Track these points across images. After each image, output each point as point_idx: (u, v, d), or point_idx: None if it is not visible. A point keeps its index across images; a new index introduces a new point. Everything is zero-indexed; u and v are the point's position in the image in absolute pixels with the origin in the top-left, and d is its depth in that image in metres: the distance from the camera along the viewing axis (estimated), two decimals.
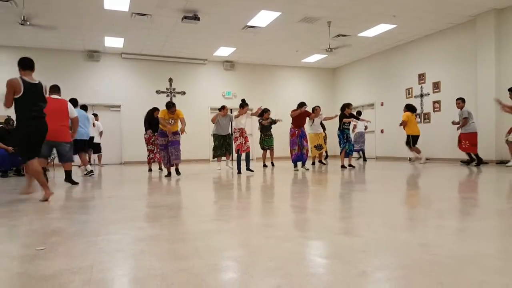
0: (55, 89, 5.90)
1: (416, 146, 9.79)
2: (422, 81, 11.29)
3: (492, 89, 9.06)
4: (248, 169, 7.88)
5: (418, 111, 11.42)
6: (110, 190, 5.35)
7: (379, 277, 1.63)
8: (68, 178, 5.92)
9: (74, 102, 7.69)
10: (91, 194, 4.85)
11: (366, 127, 12.01)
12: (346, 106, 8.67)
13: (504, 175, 6.22)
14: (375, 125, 13.24)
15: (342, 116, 8.60)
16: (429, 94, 11.07)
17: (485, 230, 2.47)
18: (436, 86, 10.81)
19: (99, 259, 1.93)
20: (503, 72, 8.95)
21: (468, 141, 8.65)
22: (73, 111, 5.93)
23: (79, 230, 2.63)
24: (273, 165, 9.80)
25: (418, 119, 11.39)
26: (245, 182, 6.06)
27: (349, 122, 8.67)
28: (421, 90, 11.33)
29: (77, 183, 5.93)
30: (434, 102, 10.90)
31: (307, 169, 8.16)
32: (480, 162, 8.56)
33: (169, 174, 7.32)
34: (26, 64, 4.13)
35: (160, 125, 7.30)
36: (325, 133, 10.38)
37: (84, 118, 7.71)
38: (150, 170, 8.76)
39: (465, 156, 9.08)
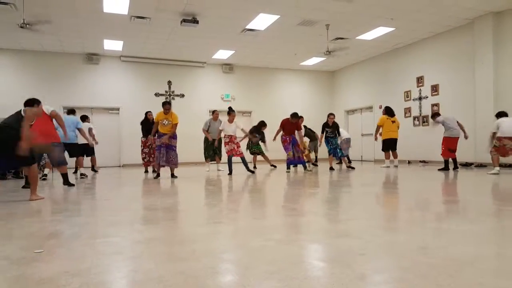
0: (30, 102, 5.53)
1: (387, 151, 9.71)
2: (421, 84, 11.32)
3: (490, 91, 9.09)
4: (248, 170, 8.22)
5: (416, 113, 11.46)
6: (108, 192, 5.34)
7: (378, 280, 1.63)
8: (66, 181, 5.93)
9: (72, 111, 8.07)
10: (89, 196, 4.84)
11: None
12: (327, 116, 9.37)
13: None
14: (374, 128, 13.24)
15: (324, 126, 9.23)
16: (427, 97, 11.09)
17: (482, 232, 2.48)
18: (435, 89, 10.84)
19: (97, 261, 1.93)
20: (501, 75, 8.98)
21: (448, 145, 8.35)
22: (48, 109, 5.71)
23: (77, 232, 2.63)
24: (274, 166, 10.05)
25: (417, 122, 11.43)
26: (242, 184, 6.06)
27: (330, 131, 9.18)
28: (420, 93, 11.35)
29: (73, 185, 6.00)
30: (432, 105, 10.92)
31: (310, 171, 8.59)
32: (455, 166, 8.30)
33: (157, 175, 7.41)
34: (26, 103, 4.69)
35: (154, 126, 7.49)
36: (316, 139, 10.75)
37: (70, 122, 7.56)
38: (146, 171, 9.15)
39: (465, 160, 9.05)
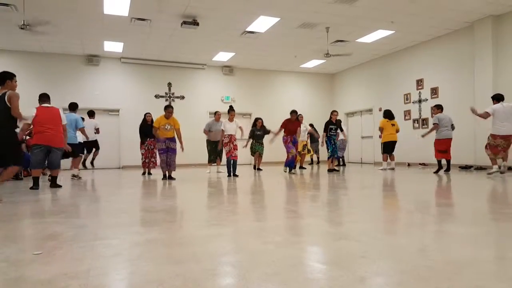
0: (44, 97, 6.09)
1: (387, 153, 9.69)
2: (420, 87, 11.33)
3: (490, 94, 9.06)
4: (234, 175, 8.14)
5: (416, 116, 11.47)
6: (107, 194, 5.34)
7: (377, 282, 1.63)
8: (54, 183, 6.00)
9: (72, 106, 8.00)
10: (88, 198, 4.83)
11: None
12: (331, 112, 9.12)
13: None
14: (373, 131, 13.26)
15: (327, 123, 9.00)
16: (427, 99, 11.10)
17: (481, 235, 2.48)
18: (434, 91, 10.85)
19: (96, 263, 1.93)
20: (501, 78, 9.00)
21: (437, 146, 8.47)
22: (64, 118, 6.22)
23: (76, 234, 2.62)
24: (260, 169, 10.02)
25: (416, 125, 11.44)
26: (241, 186, 6.06)
27: (334, 128, 9.05)
28: (419, 96, 11.36)
29: (60, 186, 6.01)
30: (432, 108, 10.91)
31: (294, 173, 8.63)
32: (448, 168, 8.27)
33: (164, 177, 7.39)
34: None
35: (153, 132, 7.33)
36: (317, 141, 10.75)
37: (71, 122, 7.39)
38: (144, 173, 9.07)
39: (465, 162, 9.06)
